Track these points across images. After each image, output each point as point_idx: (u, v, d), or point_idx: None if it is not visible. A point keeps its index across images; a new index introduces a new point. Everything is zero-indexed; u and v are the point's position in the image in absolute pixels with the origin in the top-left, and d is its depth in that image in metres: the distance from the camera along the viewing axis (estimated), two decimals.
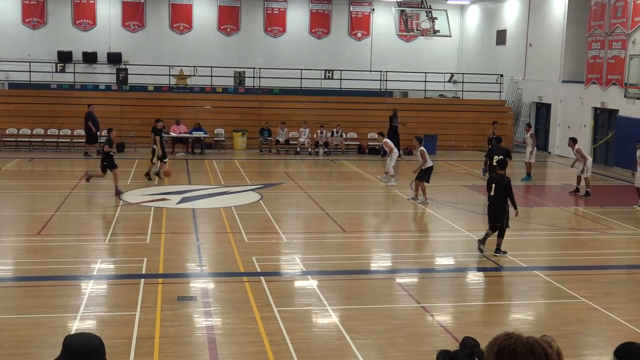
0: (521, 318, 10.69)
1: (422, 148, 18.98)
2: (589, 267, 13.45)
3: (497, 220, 13.54)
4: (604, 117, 27.99)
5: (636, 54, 23.99)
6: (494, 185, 13.60)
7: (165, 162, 21.67)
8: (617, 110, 26.51)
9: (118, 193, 18.71)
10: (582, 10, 28.74)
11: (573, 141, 20.95)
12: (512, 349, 3.01)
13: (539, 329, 9.32)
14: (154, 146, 21.63)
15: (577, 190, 20.32)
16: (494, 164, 18.06)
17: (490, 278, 12.71)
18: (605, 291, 11.85)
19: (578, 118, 29.01)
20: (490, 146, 22.33)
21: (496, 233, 13.68)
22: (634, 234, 16.15)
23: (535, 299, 11.54)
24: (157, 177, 21.53)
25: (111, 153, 19.19)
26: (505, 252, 13.61)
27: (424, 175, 18.77)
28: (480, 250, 13.64)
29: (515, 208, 13.68)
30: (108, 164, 19.11)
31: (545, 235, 16.25)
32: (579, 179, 20.40)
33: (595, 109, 28.23)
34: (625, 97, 23.74)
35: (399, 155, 22.81)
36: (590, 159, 20.70)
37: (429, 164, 18.81)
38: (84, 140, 27.78)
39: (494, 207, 13.62)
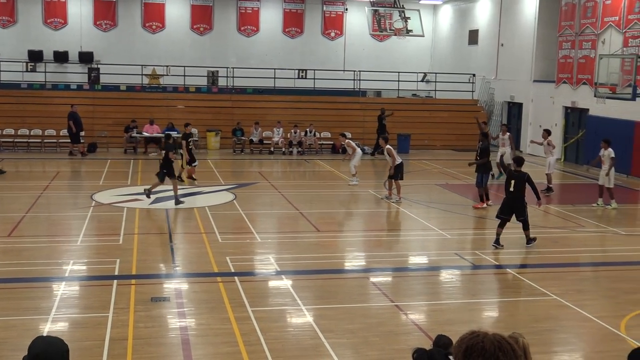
0: (494, 315, 10.79)
1: (388, 146, 19.14)
2: (561, 265, 13.61)
3: (519, 214, 14.21)
4: (574, 116, 28.30)
5: (606, 53, 24.28)
6: (513, 182, 14.18)
7: (195, 166, 21.48)
8: (588, 110, 26.82)
9: (178, 202, 17.66)
10: (553, 11, 29.03)
11: (547, 132, 21.28)
12: (480, 347, 2.99)
13: (512, 327, 9.41)
14: (181, 151, 21.29)
15: (548, 189, 20.45)
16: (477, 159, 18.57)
17: (463, 276, 12.80)
18: (576, 288, 12.00)
19: (549, 117, 29.30)
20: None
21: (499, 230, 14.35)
22: (605, 231, 16.36)
23: (508, 297, 11.65)
24: (193, 181, 21.31)
25: (172, 160, 18.17)
26: (534, 239, 14.45)
27: (397, 173, 18.87)
28: (499, 247, 14.19)
29: (539, 199, 14.91)
30: (167, 172, 17.95)
31: (517, 233, 16.37)
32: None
33: (566, 108, 28.54)
34: (595, 96, 24.00)
35: (373, 154, 22.95)
36: (554, 157, 20.95)
37: (398, 160, 18.92)
38: (68, 140, 27.54)
39: (514, 202, 14.20)
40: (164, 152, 18.46)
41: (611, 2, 25.47)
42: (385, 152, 19.15)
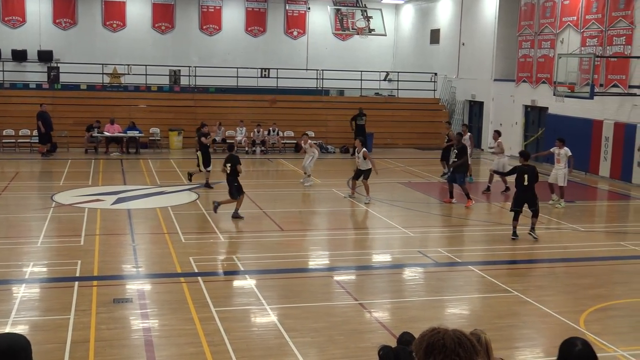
0: (457, 312, 10.89)
1: (364, 149, 19.15)
2: (522, 261, 13.80)
3: (531, 205, 14.90)
4: (534, 115, 28.70)
5: (564, 53, 24.66)
6: (526, 176, 14.77)
7: (209, 171, 20.49)
8: (547, 108, 27.23)
9: (237, 216, 16.49)
10: (513, 11, 29.40)
11: (498, 134, 21.53)
12: (441, 343, 3.03)
13: (474, 323, 9.52)
14: (198, 152, 20.62)
15: (507, 189, 20.47)
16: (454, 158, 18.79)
17: (426, 274, 12.90)
18: (537, 284, 12.18)
19: (509, 116, 29.68)
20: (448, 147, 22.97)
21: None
22: (564, 228, 16.62)
23: (470, 294, 11.77)
24: (207, 187, 20.23)
25: (240, 172, 16.74)
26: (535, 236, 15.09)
27: (367, 174, 18.91)
28: (516, 238, 14.96)
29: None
30: (238, 185, 16.57)
31: (479, 230, 16.59)
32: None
33: (526, 106, 28.93)
34: (554, 95, 24.36)
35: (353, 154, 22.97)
36: (506, 158, 21.11)
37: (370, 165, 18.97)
38: (28, 140, 27.14)
39: (527, 194, 14.88)
40: (228, 165, 16.61)
41: (569, 2, 25.88)
42: (361, 155, 19.01)
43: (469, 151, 22.63)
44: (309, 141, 22.13)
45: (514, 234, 15.03)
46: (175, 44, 36.30)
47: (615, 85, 23.68)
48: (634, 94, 22.65)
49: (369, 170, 18.99)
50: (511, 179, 16.32)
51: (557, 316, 10.38)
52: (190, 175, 20.91)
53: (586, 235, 15.89)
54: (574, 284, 12.35)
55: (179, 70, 34.15)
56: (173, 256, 13.10)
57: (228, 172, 16.60)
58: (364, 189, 19.04)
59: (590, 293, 11.77)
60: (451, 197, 18.91)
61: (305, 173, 21.45)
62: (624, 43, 23.36)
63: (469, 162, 20.21)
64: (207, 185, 20.29)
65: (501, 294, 11.45)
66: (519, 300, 11.12)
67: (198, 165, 20.53)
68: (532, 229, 15.12)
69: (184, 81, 33.68)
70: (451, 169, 19.18)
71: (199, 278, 11.79)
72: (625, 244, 15.19)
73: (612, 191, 22.21)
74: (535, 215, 15.08)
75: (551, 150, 19.44)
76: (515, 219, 15.08)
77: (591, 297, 11.46)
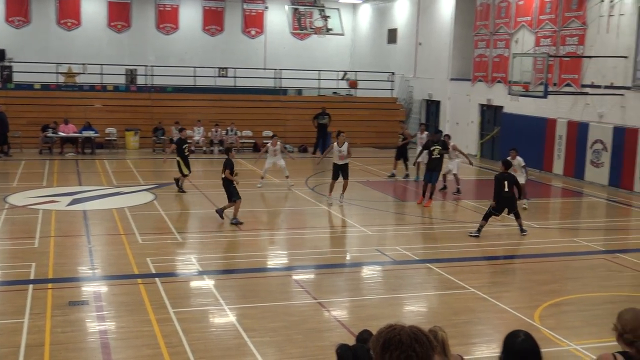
0: (414, 310, 10.99)
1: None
2: (478, 258, 13.97)
3: (512, 208, 15.57)
4: (490, 114, 29.08)
5: (519, 52, 25.03)
6: (506, 182, 15.46)
7: (186, 176, 19.86)
8: (502, 107, 27.60)
9: (237, 222, 15.98)
10: (469, 11, 29.74)
11: (448, 137, 21.67)
12: (397, 339, 3.06)
13: (431, 320, 9.61)
14: (178, 158, 19.86)
15: (458, 191, 20.55)
16: (436, 155, 18.57)
17: (384, 272, 12.99)
18: (493, 281, 12.35)
19: (466, 114, 30.02)
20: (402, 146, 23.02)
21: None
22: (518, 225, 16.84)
23: (428, 291, 11.89)
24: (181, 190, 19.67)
25: (234, 183, 16.19)
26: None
27: (347, 172, 18.75)
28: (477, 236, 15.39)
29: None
30: (235, 189, 16.18)
31: (437, 228, 16.75)
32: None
33: (482, 105, 29.29)
34: (509, 94, 24.72)
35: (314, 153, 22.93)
36: (459, 159, 21.32)
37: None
38: None
39: (509, 200, 15.50)
40: (223, 170, 16.23)
41: (524, 2, 26.28)
42: (346, 149, 18.52)
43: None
44: (278, 143, 21.78)
45: (478, 231, 15.33)
46: (132, 43, 35.90)
47: (568, 85, 24.11)
48: (586, 93, 23.10)
49: (347, 165, 18.67)
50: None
51: (513, 312, 10.54)
52: (177, 183, 19.80)
53: (541, 231, 16.15)
54: (528, 280, 12.56)
55: (136, 70, 33.78)
56: (130, 257, 12.97)
57: (223, 176, 16.19)
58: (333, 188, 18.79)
59: (545, 289, 11.98)
60: (430, 197, 18.76)
61: (262, 177, 21.14)
62: (576, 43, 23.80)
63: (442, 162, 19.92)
64: (180, 189, 19.69)
65: (458, 291, 11.58)
66: (476, 297, 11.27)
67: (181, 171, 19.74)
68: (522, 229, 15.62)
69: (140, 80, 33.33)
70: (428, 170, 18.91)
71: (157, 279, 11.70)
72: (578, 240, 15.49)
73: (565, 188, 22.62)
74: (517, 217, 15.66)
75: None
76: (486, 219, 15.41)
77: (545, 293, 11.67)
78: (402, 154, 23.40)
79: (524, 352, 4.27)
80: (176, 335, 9.23)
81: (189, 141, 21.33)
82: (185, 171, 19.71)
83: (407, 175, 23.09)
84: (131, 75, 34.05)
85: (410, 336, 3.08)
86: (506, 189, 15.38)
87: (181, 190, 19.68)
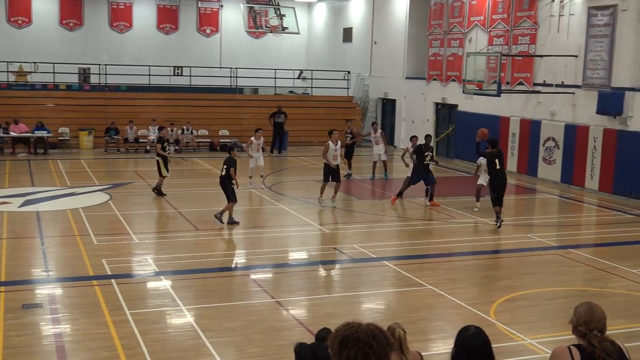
0: (372, 307, 11.06)
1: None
2: (435, 255, 14.10)
3: (503, 189, 15.82)
4: (444, 112, 29.38)
5: (472, 51, 25.33)
6: (497, 160, 15.60)
7: (164, 177, 19.18)
8: (457, 105, 27.92)
9: (232, 222, 15.85)
10: (423, 10, 29.99)
11: (416, 139, 21.85)
12: (355, 337, 3.09)
13: (389, 317, 9.68)
14: (157, 158, 19.19)
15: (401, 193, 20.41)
16: (428, 161, 18.61)
17: (342, 270, 13.05)
18: (450, 277, 12.49)
19: (421, 113, 30.29)
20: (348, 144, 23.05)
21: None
22: (475, 222, 17.08)
23: (385, 288, 11.97)
24: (160, 194, 18.94)
25: (233, 184, 15.85)
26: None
27: (339, 174, 18.38)
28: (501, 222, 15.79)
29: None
30: (233, 190, 15.86)
31: (394, 226, 16.88)
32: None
33: (437, 104, 29.58)
34: (463, 92, 24.99)
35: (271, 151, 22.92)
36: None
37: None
38: None
39: (500, 179, 15.81)
40: (225, 167, 15.84)
41: (477, 2, 26.61)
42: (339, 147, 18.30)
43: (383, 148, 22.90)
44: (262, 138, 21.42)
45: (498, 218, 15.87)
46: (85, 41, 35.37)
47: (520, 83, 24.50)
48: (538, 92, 23.50)
49: (338, 166, 18.27)
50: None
51: (469, 307, 10.68)
52: (158, 189, 19.06)
53: (496, 228, 16.37)
54: (484, 275, 12.74)
55: (89, 69, 33.30)
56: (85, 259, 12.79)
57: (223, 174, 15.89)
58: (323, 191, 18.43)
59: (500, 284, 12.17)
60: (431, 198, 18.71)
61: (251, 177, 20.77)
62: (528, 42, 24.20)
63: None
64: (160, 192, 19.00)
65: (415, 288, 11.69)
66: (433, 294, 11.38)
67: (160, 172, 19.04)
68: (498, 217, 15.95)
69: (94, 79, 32.85)
70: (419, 173, 18.76)
71: (113, 280, 11.56)
72: (532, 236, 15.75)
73: (519, 185, 22.97)
74: (501, 203, 15.97)
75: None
76: (495, 204, 15.92)
77: (501, 288, 11.85)
78: (350, 152, 23.29)
79: (474, 346, 4.39)
80: (133, 337, 9.14)
81: (170, 141, 20.74)
82: (165, 172, 19.10)
83: (349, 175, 22.87)
84: (84, 74, 33.56)
85: (368, 334, 3.10)
86: (498, 167, 15.78)
87: (161, 193, 18.97)
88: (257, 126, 26.17)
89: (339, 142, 18.26)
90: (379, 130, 23.58)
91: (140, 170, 24.54)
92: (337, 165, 18.22)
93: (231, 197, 15.85)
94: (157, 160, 19.12)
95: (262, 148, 21.27)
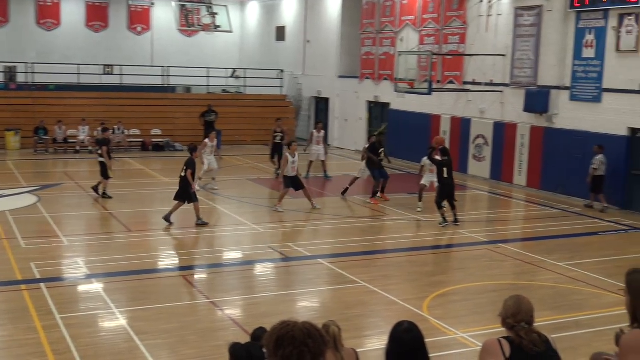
0: (307, 305, 11.11)
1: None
2: (369, 253, 14.23)
3: (453, 196, 16.31)
4: (377, 110, 29.67)
5: (404, 50, 25.66)
6: (445, 169, 16.02)
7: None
8: (389, 104, 28.23)
9: (202, 223, 15.72)
10: (355, 9, 30.22)
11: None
12: (290, 335, 3.11)
13: (324, 315, 9.75)
14: (101, 159, 18.66)
15: (346, 190, 20.54)
16: (382, 157, 19.21)
17: (277, 269, 13.05)
18: (383, 274, 12.64)
19: (354, 111, 30.51)
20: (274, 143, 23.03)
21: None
22: (407, 218, 17.32)
23: (320, 286, 12.03)
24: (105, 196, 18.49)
25: (193, 189, 15.67)
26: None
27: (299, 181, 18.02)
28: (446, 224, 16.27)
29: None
30: (193, 192, 15.70)
31: (328, 224, 16.96)
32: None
33: (370, 102, 29.84)
34: (395, 91, 25.27)
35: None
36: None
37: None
38: None
39: (449, 187, 16.30)
40: (185, 168, 15.68)
41: (408, 2, 26.95)
42: (297, 158, 17.74)
43: (323, 148, 22.99)
44: (216, 140, 21.13)
45: (444, 220, 16.30)
46: (10, 39, 34.33)
47: (451, 82, 24.95)
48: (468, 90, 23.97)
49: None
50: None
51: (402, 303, 10.84)
52: (97, 190, 18.58)
53: (428, 224, 16.64)
54: (416, 272, 12.94)
55: (15, 67, 32.34)
56: (12, 262, 12.45)
57: (183, 175, 15.66)
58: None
59: (432, 280, 12.39)
60: (382, 191, 19.30)
61: (201, 179, 20.37)
62: (458, 42, 24.65)
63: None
64: (105, 194, 18.56)
65: (349, 285, 11.78)
66: (367, 290, 11.50)
67: (106, 174, 18.57)
68: (456, 220, 16.39)
69: (20, 78, 31.92)
70: (377, 168, 19.11)
71: (42, 284, 11.29)
72: (463, 231, 16.07)
73: None
74: (453, 207, 16.45)
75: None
76: (440, 207, 16.38)
77: (433, 284, 12.06)
78: (276, 151, 23.23)
79: (407, 341, 4.48)
80: (64, 342, 8.95)
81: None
82: (112, 174, 18.80)
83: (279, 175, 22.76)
84: (10, 72, 32.58)
85: (303, 332, 3.13)
86: (445, 175, 16.17)
87: (106, 196, 18.54)
88: (190, 125, 26.04)
89: (297, 153, 17.70)
90: (323, 131, 23.56)
91: (70, 171, 24.03)
92: (295, 175, 17.75)
93: (193, 198, 15.70)
94: (103, 162, 18.60)
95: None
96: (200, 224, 15.69)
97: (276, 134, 23.45)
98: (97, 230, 15.73)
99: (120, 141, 28.84)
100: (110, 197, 18.54)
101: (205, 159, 20.12)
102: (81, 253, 13.62)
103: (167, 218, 15.69)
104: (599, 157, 18.54)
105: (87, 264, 12.68)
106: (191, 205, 15.78)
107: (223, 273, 12.80)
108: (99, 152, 18.86)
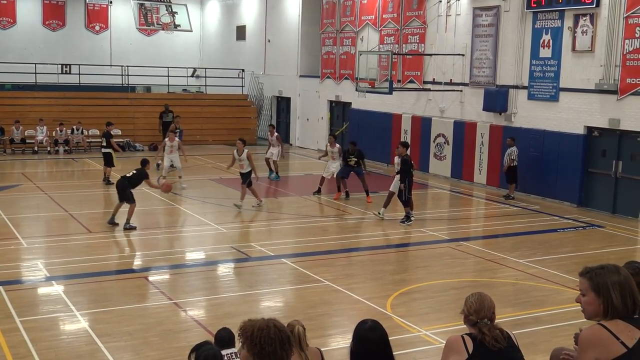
0: (271, 305, 11.10)
1: (247, 150, 17.98)
2: (331, 252, 14.27)
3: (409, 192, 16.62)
4: (338, 110, 29.76)
5: (364, 50, 25.77)
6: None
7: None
8: (350, 103, 28.33)
9: (130, 227, 15.49)
10: (315, 9, 30.26)
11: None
12: (265, 332, 3.17)
13: (288, 315, 9.77)
14: (105, 150, 20.52)
15: (319, 190, 20.54)
16: (352, 164, 19.43)
17: (240, 269, 13.02)
18: (346, 273, 12.69)
19: (315, 111, 30.56)
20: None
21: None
22: (370, 217, 17.41)
23: (284, 286, 12.04)
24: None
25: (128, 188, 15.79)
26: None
27: (248, 179, 17.98)
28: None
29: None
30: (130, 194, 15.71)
31: (291, 223, 16.98)
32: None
33: (331, 101, 29.92)
34: (356, 90, 25.36)
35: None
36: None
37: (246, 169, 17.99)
38: None
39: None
40: (134, 172, 16.00)
41: (367, 1, 27.07)
42: (245, 156, 17.72)
43: (277, 150, 22.88)
44: (176, 139, 21.06)
45: (409, 219, 16.60)
46: None
47: (411, 81, 25.13)
48: (428, 89, 24.17)
49: (250, 173, 17.90)
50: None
51: (366, 302, 10.90)
52: (108, 179, 20.40)
53: (389, 223, 16.76)
54: (380, 270, 13.02)
55: None
56: None
57: (128, 175, 15.83)
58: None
59: (395, 278, 12.48)
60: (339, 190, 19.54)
61: (164, 177, 20.19)
62: (418, 41, 24.84)
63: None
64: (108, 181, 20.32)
65: (313, 284, 11.82)
66: (330, 289, 11.54)
67: (112, 163, 20.85)
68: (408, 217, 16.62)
69: None
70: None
71: (1, 287, 11.10)
72: (425, 230, 16.22)
73: None
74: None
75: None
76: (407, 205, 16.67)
77: (396, 282, 12.15)
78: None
79: (371, 339, 4.55)
80: (24, 346, 8.82)
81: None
82: (117, 164, 20.80)
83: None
84: None
85: (277, 328, 3.23)
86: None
87: (110, 182, 20.04)
88: (150, 125, 25.79)
89: (246, 151, 17.75)
90: (276, 134, 23.45)
91: (27, 172, 23.64)
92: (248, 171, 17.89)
93: (131, 200, 15.56)
94: (110, 153, 20.86)
95: (178, 147, 20.94)
96: (128, 228, 15.40)
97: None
98: (56, 231, 15.51)
99: (79, 141, 28.48)
100: (112, 183, 19.36)
101: (166, 157, 20.16)
102: (40, 255, 13.43)
103: (128, 226, 15.48)
104: (513, 149, 19.90)
105: (46, 266, 12.51)
106: (131, 206, 15.61)
107: (185, 274, 12.73)
108: (104, 144, 21.15)
